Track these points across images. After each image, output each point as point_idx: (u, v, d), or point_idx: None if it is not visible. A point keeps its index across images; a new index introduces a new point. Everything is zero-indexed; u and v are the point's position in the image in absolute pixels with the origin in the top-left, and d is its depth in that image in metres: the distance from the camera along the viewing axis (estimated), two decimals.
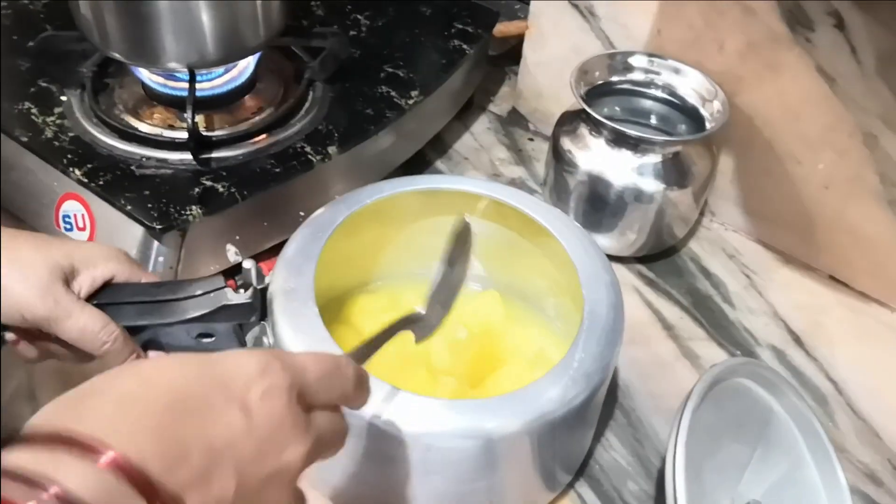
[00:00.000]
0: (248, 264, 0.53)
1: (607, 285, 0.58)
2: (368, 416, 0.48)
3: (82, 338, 0.51)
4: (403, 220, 0.66)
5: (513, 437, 0.50)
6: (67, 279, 0.51)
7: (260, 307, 0.55)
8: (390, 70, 0.83)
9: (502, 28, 0.96)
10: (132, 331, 0.54)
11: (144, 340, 0.55)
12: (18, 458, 0.29)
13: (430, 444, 0.49)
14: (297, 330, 0.53)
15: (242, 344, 0.56)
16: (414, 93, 0.80)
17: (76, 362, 0.55)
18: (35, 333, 0.52)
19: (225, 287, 0.54)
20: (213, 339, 0.55)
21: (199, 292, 0.54)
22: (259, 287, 0.54)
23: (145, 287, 0.54)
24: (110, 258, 0.53)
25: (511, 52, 0.98)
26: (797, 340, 0.74)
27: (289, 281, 0.55)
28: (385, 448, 0.50)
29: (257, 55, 0.75)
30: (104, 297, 0.53)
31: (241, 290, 0.54)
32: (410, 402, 0.49)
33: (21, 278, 0.49)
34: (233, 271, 0.57)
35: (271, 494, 0.35)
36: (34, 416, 0.31)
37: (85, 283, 0.52)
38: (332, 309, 0.64)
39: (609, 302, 0.57)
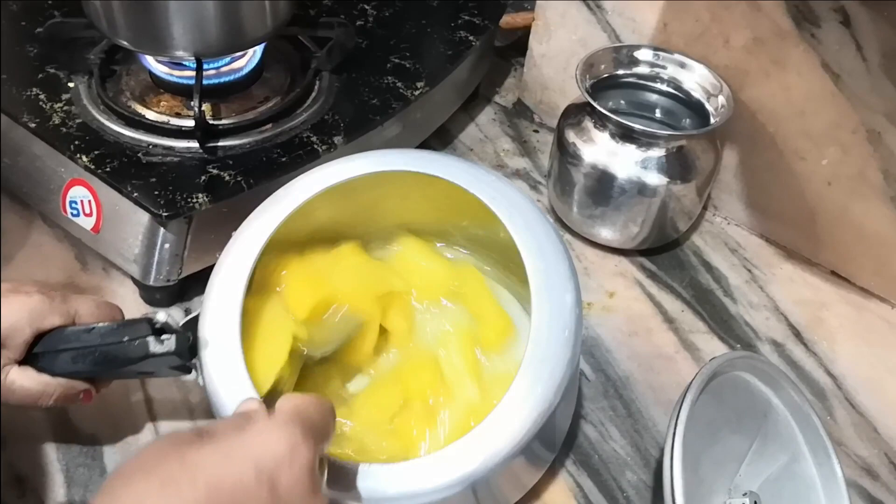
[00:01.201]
0: (161, 316, 0.52)
1: (558, 273, 0.56)
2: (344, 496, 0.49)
3: (25, 404, 0.54)
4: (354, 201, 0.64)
5: (490, 473, 0.50)
6: None
7: (187, 350, 0.53)
8: (397, 61, 0.83)
9: (509, 20, 0.96)
10: (68, 374, 0.54)
11: (88, 378, 0.56)
12: None
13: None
14: (222, 378, 0.52)
15: (187, 372, 0.55)
16: (420, 84, 0.80)
17: None
18: None
19: (147, 336, 0.53)
20: (153, 373, 0.56)
21: (125, 339, 0.53)
22: (181, 330, 0.53)
23: (77, 334, 0.54)
24: (34, 317, 0.53)
25: (517, 44, 0.99)
26: (797, 335, 0.75)
27: (215, 318, 0.54)
28: None
29: (264, 44, 0.75)
30: (40, 345, 0.54)
31: (164, 338, 0.53)
32: (384, 472, 0.49)
33: None
34: None
35: None
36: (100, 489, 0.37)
37: (14, 351, 0.53)
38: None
39: (561, 318, 0.54)
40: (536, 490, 0.61)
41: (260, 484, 0.38)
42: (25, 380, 0.53)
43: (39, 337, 0.54)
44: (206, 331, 0.54)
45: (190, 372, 0.55)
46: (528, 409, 0.51)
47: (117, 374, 0.56)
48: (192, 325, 0.54)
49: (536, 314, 0.53)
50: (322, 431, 0.44)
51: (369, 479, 0.49)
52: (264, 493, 0.38)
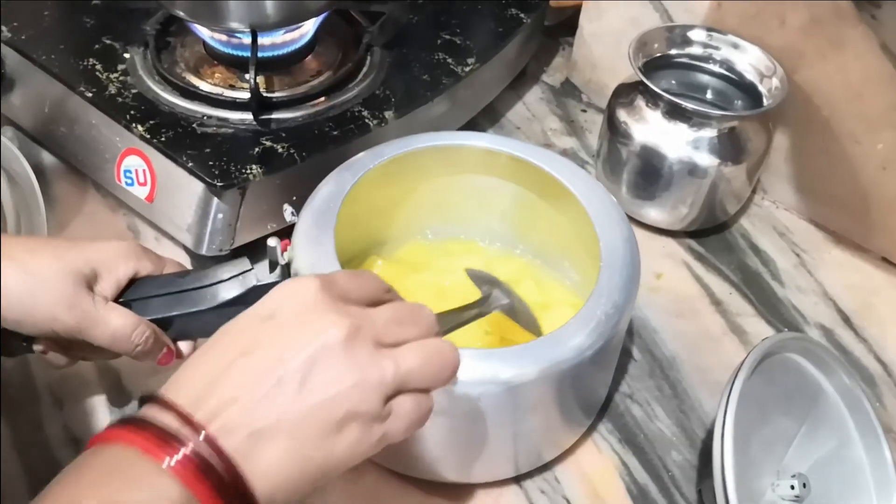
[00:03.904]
0: (272, 242, 0.53)
1: (624, 241, 0.59)
2: None
3: (114, 343, 0.53)
4: (419, 177, 0.66)
5: (531, 383, 0.51)
6: (91, 285, 0.52)
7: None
8: (447, 37, 0.83)
9: None
10: (162, 323, 0.55)
11: (176, 332, 0.56)
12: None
13: (455, 391, 0.50)
14: None
15: None
16: (470, 60, 0.80)
17: (105, 359, 0.58)
18: (65, 343, 0.54)
19: (252, 269, 0.54)
20: None
21: (226, 276, 0.54)
22: (283, 264, 0.54)
23: (171, 279, 0.55)
24: (130, 256, 0.54)
25: (566, 24, 0.98)
26: (846, 320, 0.74)
27: (310, 254, 0.55)
28: None
29: (320, 18, 0.75)
30: (130, 293, 0.54)
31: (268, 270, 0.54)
32: None
33: (45, 291, 0.50)
34: (287, 232, 0.58)
35: (324, 374, 0.37)
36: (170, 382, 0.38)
37: (109, 286, 0.53)
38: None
39: (625, 258, 0.57)
40: (582, 467, 0.61)
41: (254, 317, 0.39)
42: (120, 316, 0.52)
43: (129, 285, 0.54)
44: (300, 263, 0.54)
45: None
46: (565, 345, 0.52)
47: (209, 327, 0.56)
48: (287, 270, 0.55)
49: (605, 255, 0.57)
50: (343, 281, 0.41)
51: None
52: (258, 321, 0.39)
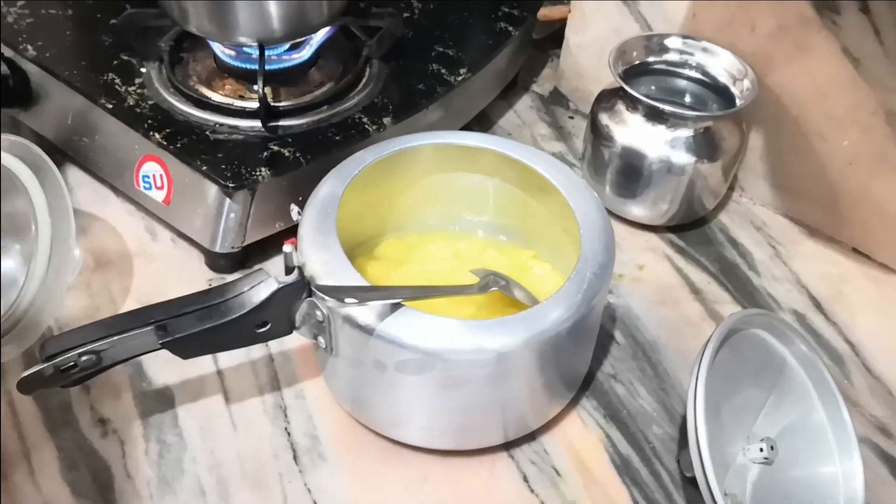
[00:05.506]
0: (288, 248, 0.57)
1: (602, 228, 0.63)
2: (392, 334, 0.55)
3: None
4: (411, 175, 0.71)
5: (516, 352, 0.56)
6: None
7: (307, 282, 0.58)
8: (441, 49, 0.89)
9: (546, 12, 1.01)
10: (196, 337, 0.57)
11: (210, 345, 0.60)
12: None
13: (447, 359, 0.56)
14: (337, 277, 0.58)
15: (293, 324, 0.60)
16: (462, 70, 0.86)
17: None
18: None
19: (271, 276, 0.57)
20: (269, 325, 0.59)
21: (246, 288, 0.57)
22: (298, 266, 0.58)
23: (197, 296, 0.58)
24: None
25: (554, 36, 1.04)
26: (818, 306, 0.79)
27: (321, 256, 0.59)
28: (405, 364, 0.56)
29: (325, 34, 0.81)
30: (161, 315, 0.57)
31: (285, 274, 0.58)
32: (431, 322, 0.55)
33: None
34: (294, 230, 0.63)
35: None
36: None
37: None
38: None
39: (602, 244, 0.62)
40: (569, 440, 0.66)
41: None
42: None
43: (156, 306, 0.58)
44: (312, 266, 0.58)
45: (291, 332, 0.60)
46: (546, 318, 0.57)
47: (238, 335, 0.60)
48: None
49: (585, 240, 0.62)
50: None
51: (401, 319, 0.55)
52: None
